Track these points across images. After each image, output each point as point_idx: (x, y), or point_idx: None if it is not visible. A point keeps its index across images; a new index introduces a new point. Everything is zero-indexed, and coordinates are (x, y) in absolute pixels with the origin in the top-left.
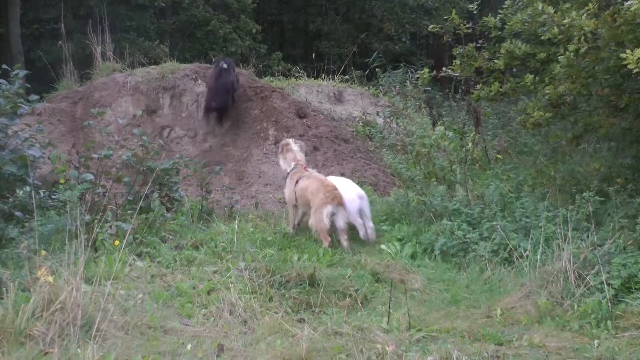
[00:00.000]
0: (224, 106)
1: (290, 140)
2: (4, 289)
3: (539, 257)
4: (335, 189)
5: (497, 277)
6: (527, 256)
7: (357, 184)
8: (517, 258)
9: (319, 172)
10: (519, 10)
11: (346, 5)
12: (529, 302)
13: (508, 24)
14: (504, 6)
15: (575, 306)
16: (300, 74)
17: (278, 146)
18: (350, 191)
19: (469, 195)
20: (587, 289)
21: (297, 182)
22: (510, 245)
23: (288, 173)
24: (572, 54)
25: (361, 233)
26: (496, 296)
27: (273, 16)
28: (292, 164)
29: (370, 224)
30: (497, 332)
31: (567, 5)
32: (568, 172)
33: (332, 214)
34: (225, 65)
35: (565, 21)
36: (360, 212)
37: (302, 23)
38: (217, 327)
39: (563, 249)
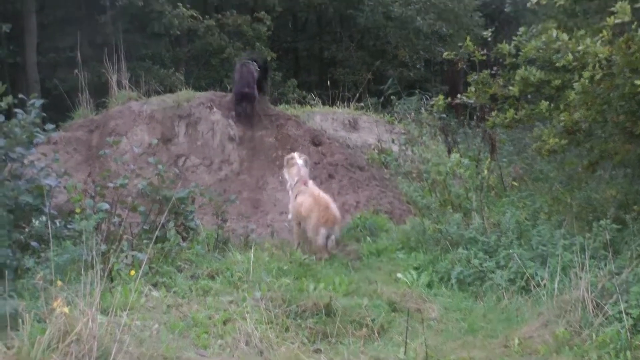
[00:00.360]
0: (251, 93)
1: (295, 154)
2: (20, 320)
3: (556, 285)
4: (328, 207)
5: (514, 306)
6: (545, 285)
7: (373, 211)
8: (534, 287)
9: (332, 199)
10: (534, 37)
11: (360, 32)
12: (546, 331)
13: (522, 50)
14: (518, 33)
15: (594, 336)
16: (315, 102)
17: (283, 160)
18: None
19: (485, 223)
20: (606, 319)
21: (296, 197)
22: (527, 274)
23: (292, 187)
24: (587, 80)
25: None
26: (514, 325)
27: (288, 43)
28: (295, 178)
29: None
30: None
31: (582, 32)
32: (584, 199)
33: (327, 236)
34: (237, 66)
35: (580, 48)
36: None
37: (316, 50)
38: (234, 358)
39: (580, 278)
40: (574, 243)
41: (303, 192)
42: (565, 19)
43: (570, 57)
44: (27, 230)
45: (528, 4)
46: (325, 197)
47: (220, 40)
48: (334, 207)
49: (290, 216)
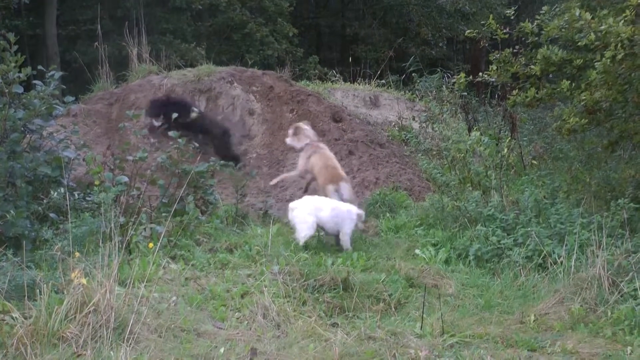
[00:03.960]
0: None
1: (300, 124)
2: (38, 290)
3: (573, 263)
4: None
5: (531, 283)
6: (561, 262)
7: (392, 188)
8: (551, 264)
9: (352, 175)
10: (556, 16)
11: (383, 9)
12: (562, 308)
13: (545, 29)
14: (541, 12)
15: (609, 313)
16: (336, 78)
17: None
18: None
19: (504, 201)
20: (621, 296)
21: (309, 157)
22: (544, 252)
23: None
24: (608, 60)
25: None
26: (530, 302)
27: (310, 20)
28: (306, 141)
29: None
30: (530, 338)
31: (604, 11)
32: (603, 178)
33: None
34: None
35: (602, 28)
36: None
37: (339, 27)
38: (251, 331)
39: (597, 256)
40: (592, 222)
41: (316, 152)
42: None
43: (593, 36)
44: (45, 201)
45: None
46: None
47: (242, 15)
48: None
49: (297, 173)
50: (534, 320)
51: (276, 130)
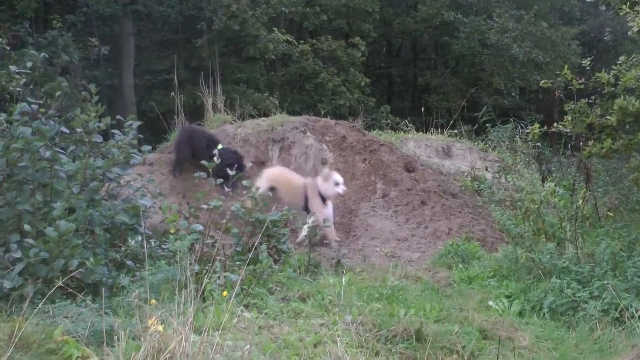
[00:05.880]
0: None
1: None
2: (116, 336)
3: None
4: None
5: (607, 337)
6: (639, 317)
7: (465, 238)
8: (628, 318)
9: (424, 225)
10: (634, 67)
11: (455, 59)
12: None
13: (622, 80)
14: (617, 62)
15: None
16: (408, 128)
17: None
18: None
19: (579, 253)
20: None
21: None
22: (621, 305)
23: None
24: None
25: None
26: (606, 357)
27: (382, 69)
28: None
29: None
30: None
31: None
32: None
33: None
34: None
35: None
36: None
37: (410, 76)
38: None
39: None
40: None
41: None
42: None
43: None
44: (122, 249)
45: (629, 33)
46: None
47: (315, 65)
48: None
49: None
50: None
51: (349, 180)
